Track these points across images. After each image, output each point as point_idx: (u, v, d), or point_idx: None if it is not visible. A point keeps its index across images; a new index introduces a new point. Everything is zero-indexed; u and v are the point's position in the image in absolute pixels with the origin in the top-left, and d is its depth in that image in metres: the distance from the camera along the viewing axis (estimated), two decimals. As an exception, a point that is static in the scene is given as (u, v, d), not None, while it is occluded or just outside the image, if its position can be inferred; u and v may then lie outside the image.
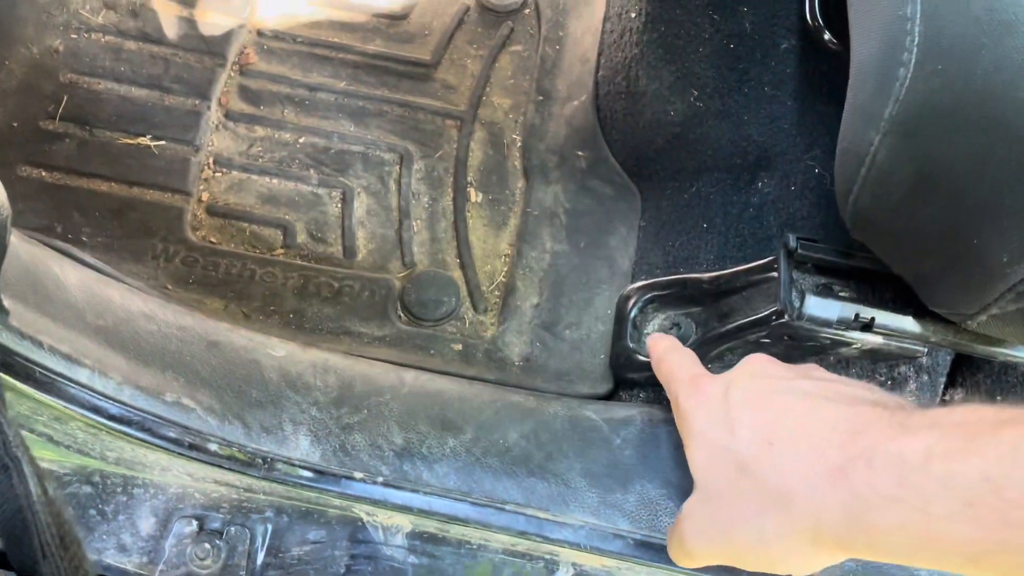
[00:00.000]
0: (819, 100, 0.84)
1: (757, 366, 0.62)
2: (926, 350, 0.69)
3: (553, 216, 0.92)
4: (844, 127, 0.59)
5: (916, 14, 0.51)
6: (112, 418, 0.65)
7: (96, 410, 0.64)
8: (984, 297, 0.56)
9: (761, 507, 0.52)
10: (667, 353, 0.70)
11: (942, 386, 0.81)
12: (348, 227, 0.91)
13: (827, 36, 0.80)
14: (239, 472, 0.69)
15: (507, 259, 0.91)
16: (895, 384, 0.78)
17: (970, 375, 0.83)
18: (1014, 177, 0.49)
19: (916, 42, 0.51)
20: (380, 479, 0.69)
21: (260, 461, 0.69)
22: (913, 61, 0.51)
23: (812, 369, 0.62)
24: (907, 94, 0.52)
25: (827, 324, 0.66)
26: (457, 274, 0.90)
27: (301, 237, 0.90)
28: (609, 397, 0.82)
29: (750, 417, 0.56)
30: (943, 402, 0.82)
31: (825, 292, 0.67)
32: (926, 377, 0.79)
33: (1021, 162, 0.48)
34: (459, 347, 0.86)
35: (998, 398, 0.82)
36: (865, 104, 0.56)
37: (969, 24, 0.48)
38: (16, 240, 0.66)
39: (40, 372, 0.61)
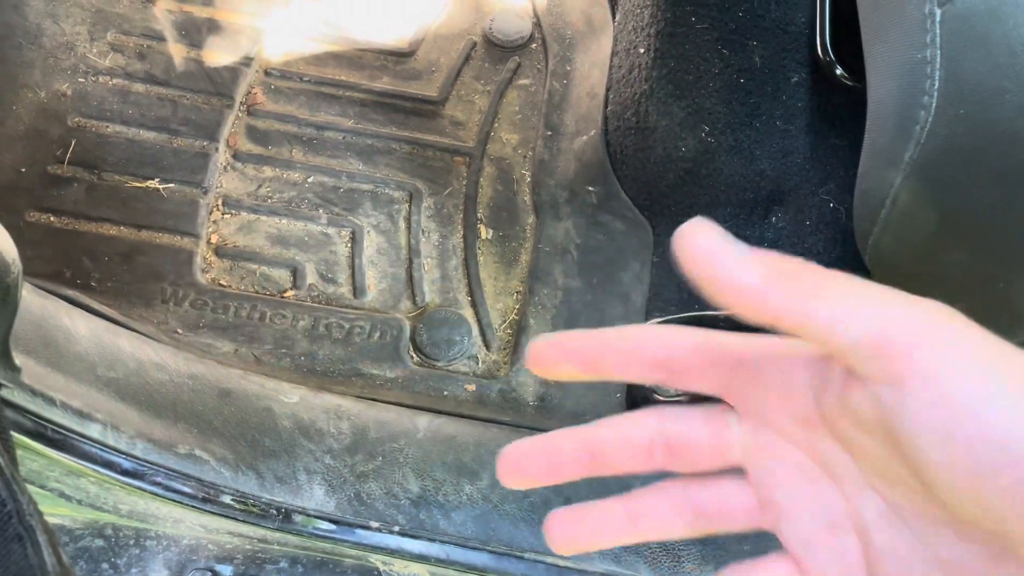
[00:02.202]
0: (832, 134, 0.83)
1: None
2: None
3: (564, 252, 0.91)
4: (863, 168, 0.59)
5: (936, 57, 0.50)
6: (125, 473, 0.64)
7: (109, 465, 0.63)
8: (1011, 340, 0.55)
9: None
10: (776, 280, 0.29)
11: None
12: (358, 267, 0.90)
13: (839, 71, 0.79)
14: (253, 523, 0.68)
15: (519, 296, 0.90)
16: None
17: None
18: (1041, 223, 0.48)
19: (936, 86, 0.50)
20: (396, 528, 0.69)
21: (274, 512, 0.68)
22: (934, 104, 0.51)
23: None
24: (928, 137, 0.51)
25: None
26: (468, 312, 0.89)
27: (311, 278, 0.89)
28: (626, 437, 0.81)
29: None
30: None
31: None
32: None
33: (1048, 207, 0.48)
34: (472, 387, 0.85)
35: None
36: (885, 146, 0.55)
37: (991, 69, 0.48)
38: (26, 293, 0.65)
39: (52, 429, 0.60)
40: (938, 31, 0.50)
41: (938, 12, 0.51)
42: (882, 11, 0.56)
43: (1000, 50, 0.47)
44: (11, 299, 0.56)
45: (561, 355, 0.32)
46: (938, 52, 0.50)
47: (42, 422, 0.60)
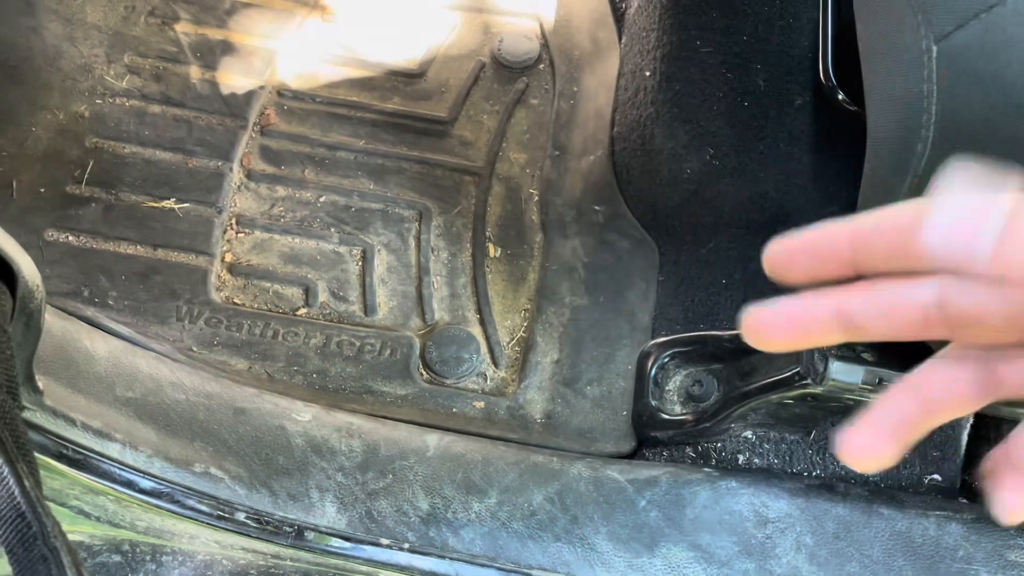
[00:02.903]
0: (835, 156, 0.85)
1: None
2: (950, 410, 0.69)
3: (572, 270, 0.92)
4: (863, 196, 0.60)
5: (932, 92, 0.52)
6: (143, 491, 0.66)
7: (127, 484, 0.65)
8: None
9: None
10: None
11: (966, 439, 0.80)
12: (369, 285, 0.92)
13: (841, 97, 0.81)
14: (267, 540, 0.70)
15: (526, 314, 0.92)
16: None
17: (994, 427, 0.83)
18: (1035, 255, 0.49)
19: (933, 120, 0.52)
20: (406, 545, 0.70)
21: (287, 529, 0.69)
22: (931, 138, 0.52)
23: None
24: (926, 170, 0.53)
25: (851, 388, 0.66)
26: (477, 330, 0.91)
27: (323, 296, 0.91)
28: (632, 455, 0.82)
29: None
30: (968, 455, 0.81)
31: (848, 355, 0.68)
32: (950, 431, 0.79)
33: (1042, 240, 0.49)
34: (481, 404, 0.86)
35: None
36: (883, 176, 0.56)
37: (986, 106, 0.49)
38: (48, 316, 0.67)
39: (73, 449, 0.62)
40: (934, 67, 0.52)
41: (934, 48, 0.52)
42: (881, 45, 0.58)
43: (993, 87, 0.49)
44: (35, 324, 0.57)
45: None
46: (934, 87, 0.52)
47: (63, 442, 0.62)
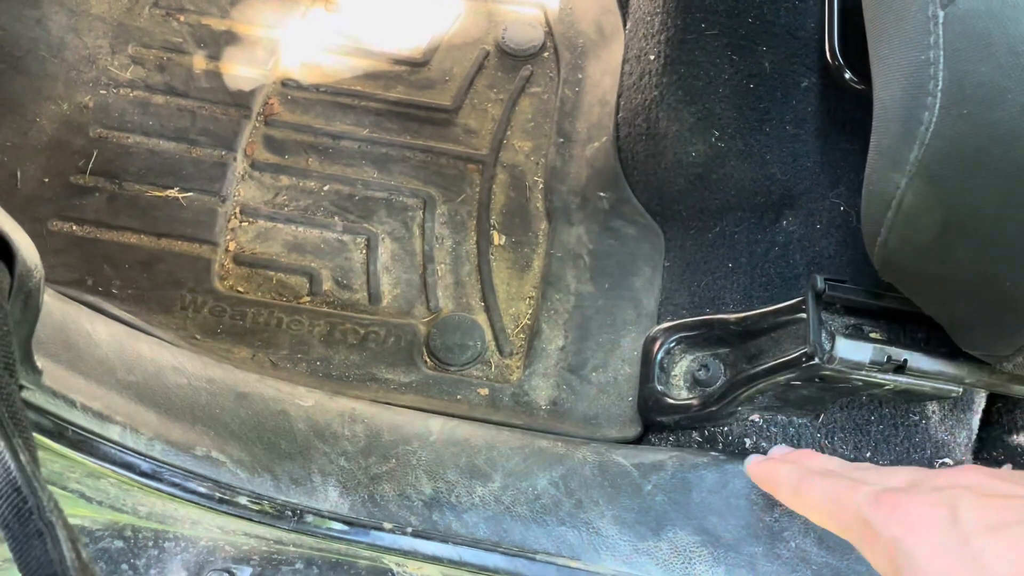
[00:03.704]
0: (842, 138, 0.84)
1: (975, 479, 0.47)
2: (961, 390, 0.67)
3: (577, 257, 0.92)
4: (869, 169, 0.59)
5: (939, 58, 0.51)
6: (143, 474, 0.65)
7: (128, 467, 0.64)
8: (1019, 339, 0.55)
9: None
10: (805, 479, 0.54)
11: (977, 423, 0.79)
12: (373, 273, 0.91)
13: (848, 75, 0.80)
14: (269, 524, 0.69)
15: (531, 301, 0.91)
16: (929, 423, 0.77)
17: (1007, 411, 0.81)
18: (1045, 221, 0.48)
19: (940, 87, 0.51)
20: (409, 529, 0.69)
21: (290, 513, 0.69)
22: (938, 105, 0.51)
23: None
24: (932, 138, 0.52)
25: (859, 367, 0.65)
26: (482, 318, 0.90)
27: (327, 284, 0.91)
28: (638, 441, 0.81)
29: (1002, 548, 0.41)
30: (980, 439, 0.80)
31: (855, 334, 0.66)
32: (961, 414, 0.78)
33: (1052, 206, 0.48)
34: (485, 391, 0.86)
35: (1036, 435, 0.80)
36: (890, 147, 0.55)
37: (993, 69, 0.48)
38: (48, 298, 0.67)
39: (73, 431, 0.61)
40: (941, 33, 0.51)
41: (941, 14, 0.51)
42: (886, 14, 0.57)
43: (1001, 50, 0.48)
44: (33, 303, 0.57)
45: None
46: (941, 53, 0.51)
47: (63, 423, 0.61)
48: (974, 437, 0.79)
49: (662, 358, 0.80)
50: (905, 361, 0.64)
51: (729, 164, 0.87)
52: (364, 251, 0.93)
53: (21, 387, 0.57)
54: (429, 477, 0.71)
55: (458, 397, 0.85)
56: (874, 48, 0.58)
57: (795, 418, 0.76)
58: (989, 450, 0.80)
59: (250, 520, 0.69)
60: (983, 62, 0.49)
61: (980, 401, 0.79)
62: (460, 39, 1.05)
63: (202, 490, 0.66)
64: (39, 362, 0.61)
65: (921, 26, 0.52)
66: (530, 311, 0.90)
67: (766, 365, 0.71)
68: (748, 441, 0.75)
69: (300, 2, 1.05)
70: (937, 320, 0.62)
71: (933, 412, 0.77)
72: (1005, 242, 0.51)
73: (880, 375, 0.66)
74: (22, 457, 0.48)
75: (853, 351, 0.64)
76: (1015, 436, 0.81)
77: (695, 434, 0.77)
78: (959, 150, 0.51)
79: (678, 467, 0.73)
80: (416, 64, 1.03)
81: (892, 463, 0.75)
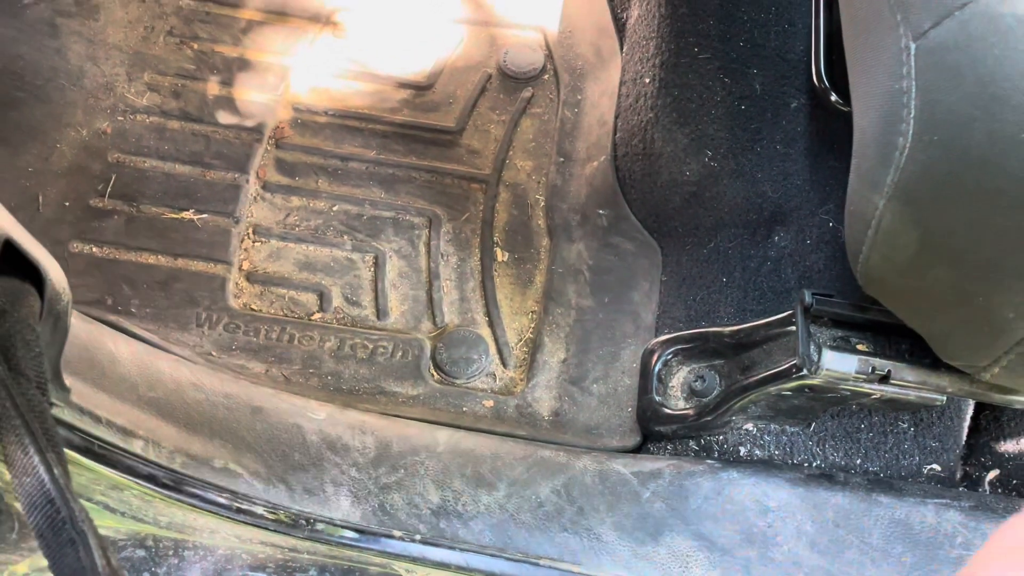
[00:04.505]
0: (830, 156, 0.87)
1: None
2: (944, 398, 0.70)
3: (577, 273, 0.95)
4: (851, 191, 0.62)
5: (912, 88, 0.54)
6: (165, 486, 0.68)
7: (150, 479, 0.68)
8: (994, 351, 0.58)
9: None
10: None
11: (966, 430, 0.82)
12: (381, 290, 0.95)
13: (834, 98, 0.83)
14: (284, 533, 0.72)
15: (534, 316, 0.94)
16: (918, 430, 0.79)
17: (994, 419, 0.84)
18: (1012, 241, 0.52)
19: (913, 114, 0.54)
20: (418, 537, 0.72)
21: (303, 522, 0.72)
22: (911, 132, 0.54)
23: None
24: (907, 162, 0.55)
25: (845, 378, 0.68)
26: (486, 332, 0.93)
27: (337, 301, 0.94)
28: (638, 450, 0.84)
29: None
30: (968, 446, 0.83)
31: (842, 346, 0.70)
32: (949, 422, 0.81)
33: (1019, 227, 0.51)
34: (490, 403, 0.89)
35: (1022, 441, 0.83)
36: (869, 170, 0.59)
37: (962, 98, 0.51)
38: (74, 319, 0.70)
39: (99, 445, 0.65)
40: (913, 64, 0.54)
41: (912, 46, 0.54)
42: (863, 45, 0.60)
43: (969, 81, 0.51)
44: (62, 325, 0.61)
45: None
46: (913, 83, 0.54)
47: (89, 438, 0.65)
48: (962, 444, 0.82)
49: (660, 370, 0.84)
50: (889, 372, 0.67)
51: (722, 183, 0.90)
52: (372, 269, 0.96)
53: (51, 404, 0.61)
54: (436, 486, 0.75)
55: (464, 409, 0.88)
56: (853, 76, 0.62)
57: (787, 427, 0.79)
58: (977, 457, 0.83)
59: (266, 529, 0.72)
60: (952, 92, 0.52)
61: (968, 409, 0.82)
62: (463, 63, 1.09)
63: (221, 501, 0.69)
64: (67, 380, 0.64)
65: (895, 57, 0.55)
66: (533, 325, 0.93)
67: (758, 376, 0.74)
68: (743, 449, 0.78)
69: (309, 29, 1.09)
70: (919, 332, 0.65)
71: (921, 420, 0.80)
72: (977, 260, 0.54)
73: (866, 385, 0.69)
74: (55, 471, 0.51)
75: (839, 362, 0.68)
76: (1003, 443, 0.84)
77: (692, 443, 0.80)
78: (932, 174, 0.54)
79: (675, 475, 0.76)
80: (421, 87, 1.07)
81: (882, 469, 0.78)
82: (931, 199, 0.54)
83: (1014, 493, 0.81)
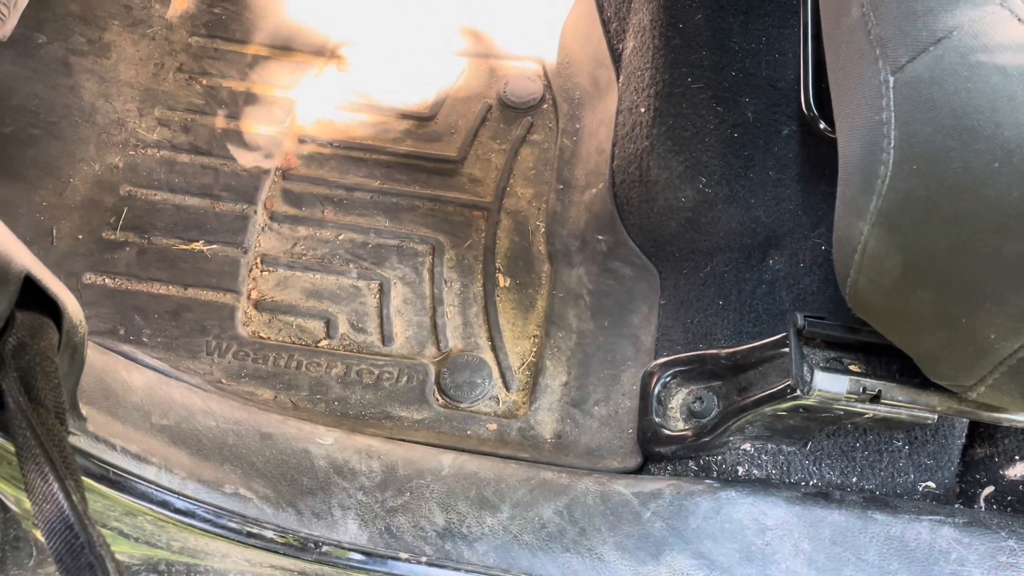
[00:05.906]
0: (821, 181, 0.89)
1: None
2: (935, 417, 0.72)
3: (578, 297, 0.97)
4: (837, 217, 0.65)
5: (891, 119, 0.56)
6: (178, 511, 0.70)
7: (163, 504, 0.70)
8: (979, 371, 0.60)
9: None
10: None
11: (960, 448, 0.83)
12: (386, 316, 0.97)
13: (822, 126, 0.85)
14: (293, 556, 0.74)
15: (536, 340, 0.96)
16: (912, 448, 0.81)
17: (988, 436, 0.86)
18: (991, 265, 0.54)
19: (892, 144, 0.56)
20: (424, 559, 0.74)
21: (312, 545, 0.74)
22: (891, 161, 0.56)
23: None
24: (888, 190, 0.57)
25: (836, 398, 0.70)
26: (489, 356, 0.95)
27: (343, 328, 0.97)
28: (639, 471, 0.86)
29: None
30: (963, 463, 0.84)
31: (834, 366, 0.71)
32: (943, 440, 0.82)
33: (996, 252, 0.53)
34: (494, 427, 0.91)
35: (1015, 458, 0.84)
36: (853, 197, 0.61)
37: (937, 130, 0.53)
38: (89, 350, 0.73)
39: (114, 472, 0.67)
40: (892, 96, 0.56)
41: (891, 79, 0.57)
42: (847, 77, 0.63)
43: (944, 113, 0.53)
44: (79, 356, 0.63)
45: None
46: (892, 115, 0.56)
47: (104, 465, 0.67)
48: (957, 462, 0.83)
49: (659, 392, 0.85)
50: (880, 391, 0.69)
51: (717, 208, 0.92)
52: (377, 296, 0.99)
53: (69, 433, 0.63)
54: (441, 509, 0.76)
55: (468, 432, 0.90)
56: (837, 107, 0.64)
57: (784, 446, 0.80)
58: (972, 474, 0.84)
59: (276, 552, 0.74)
60: (929, 123, 0.54)
61: (962, 427, 0.83)
62: (464, 94, 1.12)
63: (232, 525, 0.71)
64: (83, 409, 0.67)
65: (875, 90, 0.58)
66: (535, 349, 0.96)
67: (754, 397, 0.76)
68: (740, 469, 0.80)
69: (314, 63, 1.13)
70: (907, 353, 0.67)
71: (916, 438, 0.81)
72: (958, 284, 0.56)
73: (858, 405, 0.71)
74: (74, 497, 0.54)
75: (830, 383, 0.69)
76: (997, 460, 0.85)
77: (691, 463, 0.82)
78: (912, 201, 0.56)
79: (675, 495, 0.77)
80: (423, 118, 1.10)
81: (877, 487, 0.80)
82: (912, 225, 0.57)
83: (1009, 509, 0.82)
